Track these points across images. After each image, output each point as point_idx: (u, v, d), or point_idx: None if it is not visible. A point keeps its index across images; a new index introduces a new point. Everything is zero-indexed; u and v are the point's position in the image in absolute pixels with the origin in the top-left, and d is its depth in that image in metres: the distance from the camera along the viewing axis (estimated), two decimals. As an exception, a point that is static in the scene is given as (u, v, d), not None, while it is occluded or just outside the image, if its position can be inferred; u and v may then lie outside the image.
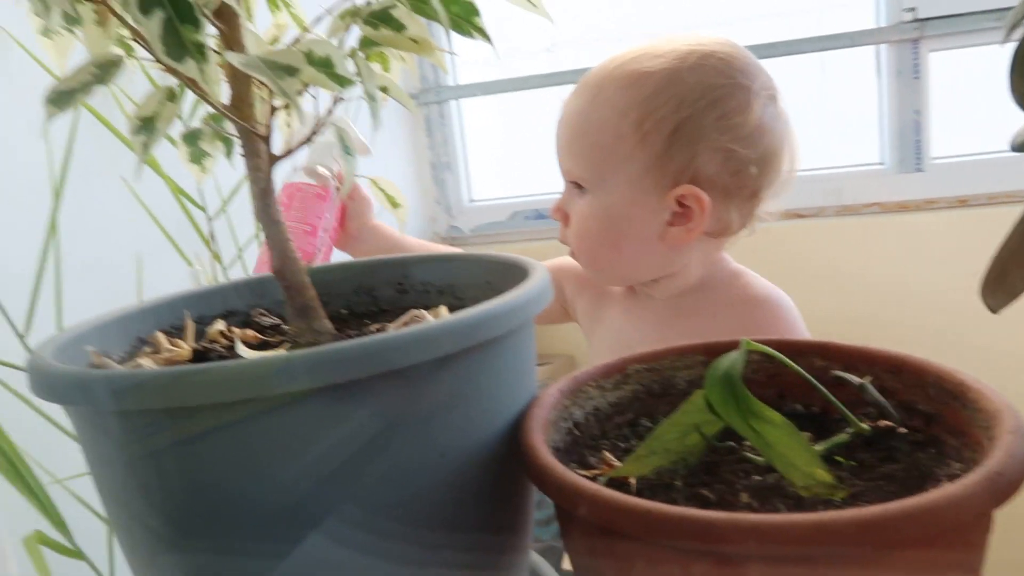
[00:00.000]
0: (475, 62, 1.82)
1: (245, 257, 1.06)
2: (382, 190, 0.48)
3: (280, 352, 0.41)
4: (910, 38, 1.42)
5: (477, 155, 1.87)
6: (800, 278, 1.53)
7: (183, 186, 0.98)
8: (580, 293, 0.88)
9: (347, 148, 0.39)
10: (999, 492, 0.26)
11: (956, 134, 1.46)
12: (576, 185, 0.76)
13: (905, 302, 1.41)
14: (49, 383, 0.33)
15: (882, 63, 1.48)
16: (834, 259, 1.46)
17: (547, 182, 1.83)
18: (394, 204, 0.48)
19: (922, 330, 1.37)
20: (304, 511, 0.33)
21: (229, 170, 0.46)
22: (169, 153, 0.50)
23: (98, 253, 0.92)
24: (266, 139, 0.40)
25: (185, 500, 0.34)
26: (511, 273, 0.45)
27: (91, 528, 0.77)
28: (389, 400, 0.33)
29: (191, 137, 0.49)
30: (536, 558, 0.51)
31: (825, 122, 1.57)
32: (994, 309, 0.31)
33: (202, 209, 1.01)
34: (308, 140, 0.41)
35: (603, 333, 0.85)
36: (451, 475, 0.35)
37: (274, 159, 0.41)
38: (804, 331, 0.77)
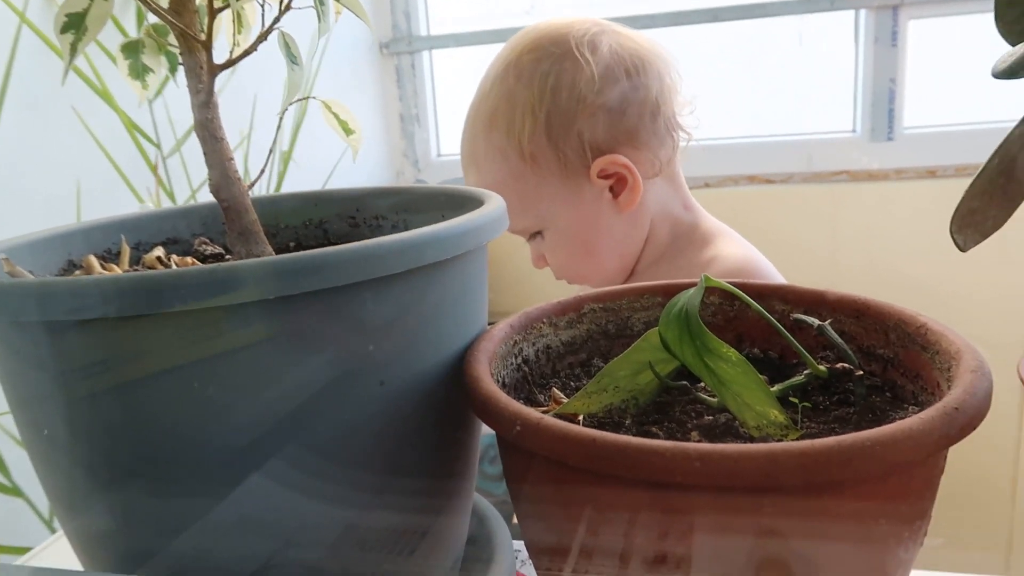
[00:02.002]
0: (450, 20, 1.77)
1: (199, 197, 1.02)
2: (335, 114, 0.45)
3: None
4: (891, 4, 1.41)
5: (447, 109, 1.83)
6: (766, 243, 1.53)
7: (138, 122, 0.94)
8: None
9: (292, 57, 0.37)
10: (955, 428, 0.25)
11: (928, 104, 1.46)
12: (530, 234, 0.80)
13: (870, 271, 1.42)
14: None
15: (861, 29, 1.47)
16: (802, 225, 1.46)
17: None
18: (347, 131, 0.46)
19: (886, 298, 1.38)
20: (246, 447, 0.31)
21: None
22: (124, 87, 0.47)
23: (38, 183, 0.88)
24: (207, 46, 0.37)
25: (123, 438, 0.32)
26: (467, 206, 0.43)
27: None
28: (328, 322, 0.31)
29: (131, 48, 0.46)
30: (484, 505, 0.50)
31: (800, 88, 1.56)
32: (963, 247, 0.30)
33: (156, 145, 0.97)
34: (253, 49, 0.38)
35: None
36: (391, 406, 0.33)
37: (215, 69, 0.38)
38: None
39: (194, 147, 1.05)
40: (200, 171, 1.06)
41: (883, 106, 1.45)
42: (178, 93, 0.42)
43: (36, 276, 0.40)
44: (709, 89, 1.59)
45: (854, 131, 1.51)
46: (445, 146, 1.84)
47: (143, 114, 0.96)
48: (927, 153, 1.42)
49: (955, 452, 0.29)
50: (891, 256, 1.41)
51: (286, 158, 1.05)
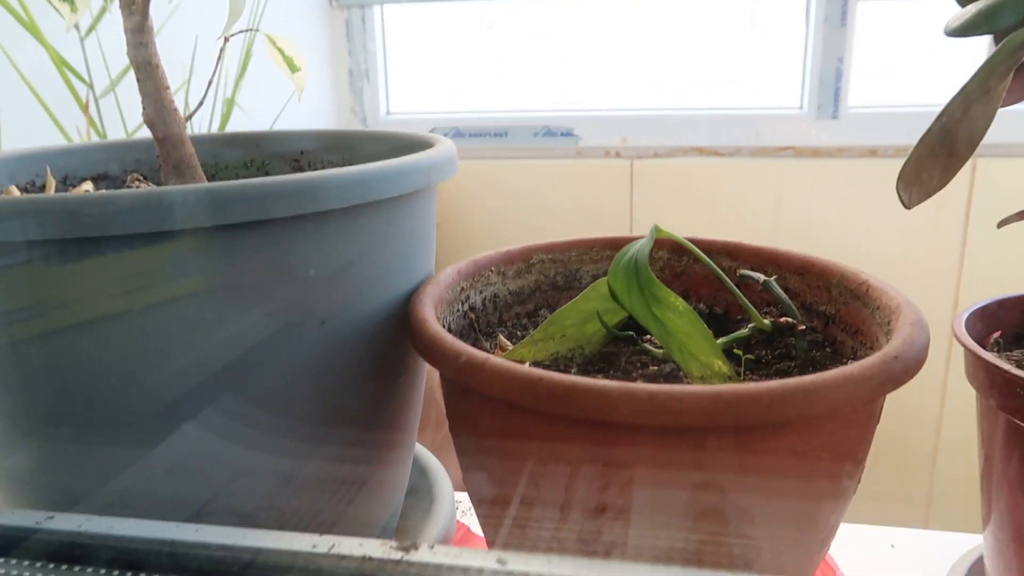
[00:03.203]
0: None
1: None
2: (279, 49, 0.43)
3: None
4: (841, -16, 1.42)
5: (398, 66, 1.79)
6: (712, 214, 1.55)
7: (70, 60, 0.89)
8: None
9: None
10: (894, 375, 0.25)
11: (873, 85, 1.49)
12: None
13: (810, 244, 1.45)
14: None
15: (812, 8, 1.49)
16: (747, 198, 1.48)
17: (468, 99, 1.78)
18: (293, 67, 0.44)
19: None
20: (179, 391, 0.30)
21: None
22: (54, 20, 0.44)
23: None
24: (142, -36, 0.35)
25: (51, 385, 0.30)
26: (417, 151, 0.42)
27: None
28: (267, 258, 0.30)
29: (59, -34, 0.43)
30: (426, 456, 0.50)
31: (751, 64, 1.57)
32: (908, 204, 0.30)
33: (87, 84, 0.91)
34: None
35: None
36: (332, 347, 0.32)
37: (151, -10, 0.36)
38: None
39: (129, 88, 1.00)
40: (136, 114, 1.01)
41: (830, 85, 1.47)
42: (114, 30, 0.40)
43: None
44: (663, 60, 1.59)
45: (801, 108, 1.53)
46: (395, 104, 1.80)
47: (75, 51, 0.90)
48: (869, 133, 1.45)
49: (884, 409, 0.30)
50: (831, 230, 1.45)
51: (229, 103, 1.01)
